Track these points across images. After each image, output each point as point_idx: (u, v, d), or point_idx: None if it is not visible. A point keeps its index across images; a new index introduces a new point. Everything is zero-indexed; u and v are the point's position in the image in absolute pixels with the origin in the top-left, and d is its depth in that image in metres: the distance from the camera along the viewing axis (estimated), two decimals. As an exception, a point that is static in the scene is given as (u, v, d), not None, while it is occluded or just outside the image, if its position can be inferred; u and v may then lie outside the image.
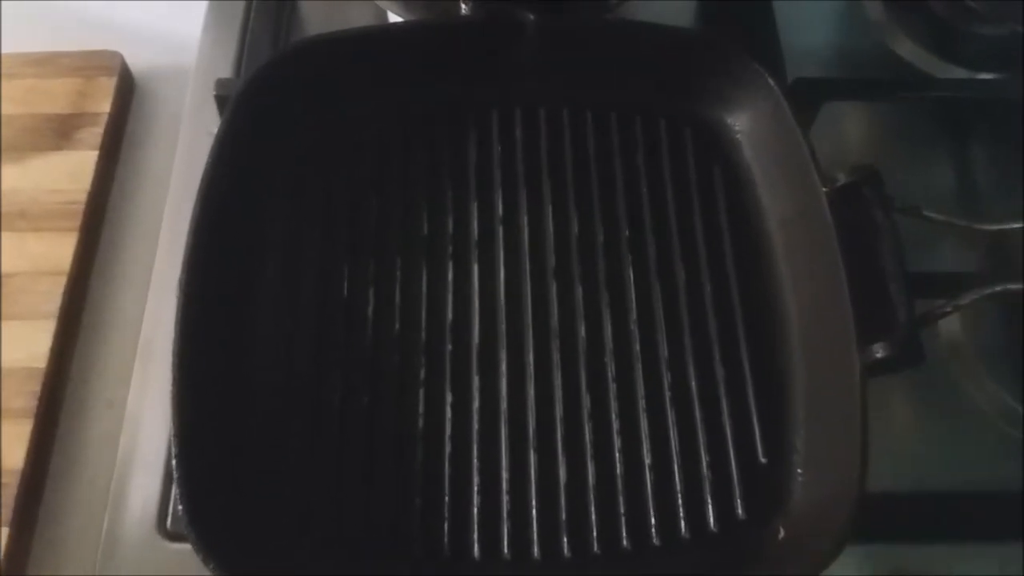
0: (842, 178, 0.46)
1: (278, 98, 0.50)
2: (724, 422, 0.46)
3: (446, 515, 0.44)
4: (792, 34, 0.62)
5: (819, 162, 0.47)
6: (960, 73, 0.62)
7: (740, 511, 0.44)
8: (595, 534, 0.44)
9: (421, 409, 0.46)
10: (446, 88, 0.54)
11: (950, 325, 0.52)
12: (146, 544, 0.46)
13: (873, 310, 0.43)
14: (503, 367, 0.47)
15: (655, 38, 0.53)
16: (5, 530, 0.47)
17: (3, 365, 0.51)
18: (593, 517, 0.44)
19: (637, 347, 0.48)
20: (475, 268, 0.50)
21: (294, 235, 0.50)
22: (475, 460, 0.45)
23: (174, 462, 0.40)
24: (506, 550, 0.43)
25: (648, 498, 0.44)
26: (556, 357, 0.47)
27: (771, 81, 0.50)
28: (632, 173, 0.52)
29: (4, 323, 0.52)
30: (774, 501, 0.44)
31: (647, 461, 0.45)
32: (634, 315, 0.49)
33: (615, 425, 0.46)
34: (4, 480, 0.48)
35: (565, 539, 0.43)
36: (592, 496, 0.44)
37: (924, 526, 0.47)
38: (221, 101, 0.54)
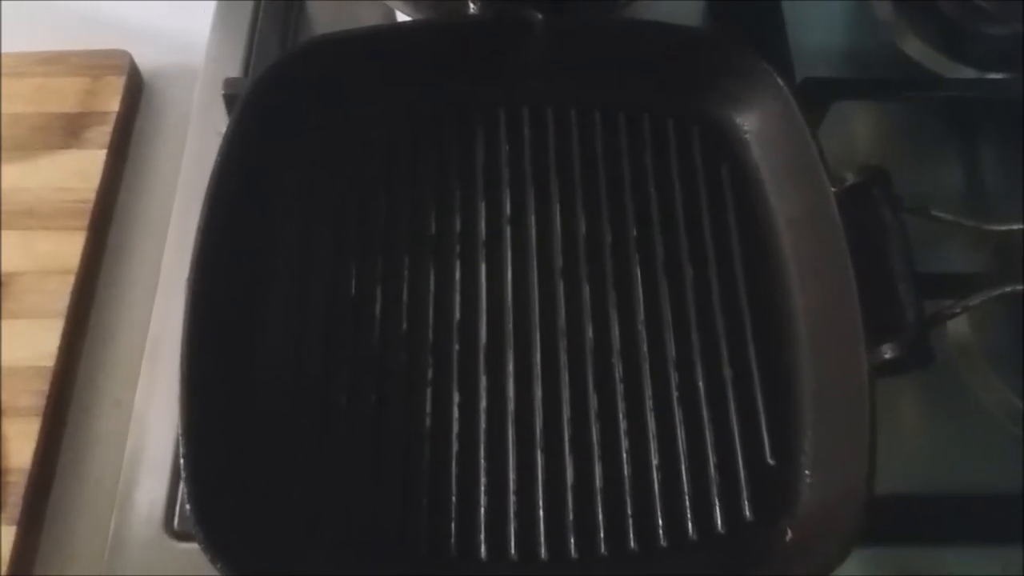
0: (851, 178, 0.46)
1: (286, 97, 0.50)
2: (732, 423, 0.46)
3: (453, 515, 0.44)
4: (801, 34, 0.61)
5: (827, 162, 0.46)
6: (969, 73, 0.62)
7: (748, 512, 0.44)
8: (602, 535, 0.43)
9: (428, 409, 0.46)
10: (454, 87, 0.54)
11: (958, 326, 0.52)
12: (153, 544, 0.46)
13: (882, 310, 0.43)
14: (510, 367, 0.47)
15: (663, 38, 0.53)
16: (13, 529, 0.47)
17: (11, 364, 0.51)
18: (600, 518, 0.44)
19: (645, 347, 0.48)
20: (483, 267, 0.50)
21: (302, 234, 0.50)
22: (482, 460, 0.45)
23: (182, 462, 0.40)
24: (513, 550, 0.43)
25: (655, 499, 0.44)
26: (563, 357, 0.47)
27: (780, 81, 0.50)
28: (640, 172, 0.52)
29: (12, 322, 0.52)
30: (782, 502, 0.44)
31: (654, 462, 0.45)
32: (642, 315, 0.48)
33: (622, 425, 0.46)
34: (11, 479, 0.48)
35: (572, 540, 0.43)
36: (599, 497, 0.44)
37: (932, 528, 0.47)
38: (230, 100, 0.54)
